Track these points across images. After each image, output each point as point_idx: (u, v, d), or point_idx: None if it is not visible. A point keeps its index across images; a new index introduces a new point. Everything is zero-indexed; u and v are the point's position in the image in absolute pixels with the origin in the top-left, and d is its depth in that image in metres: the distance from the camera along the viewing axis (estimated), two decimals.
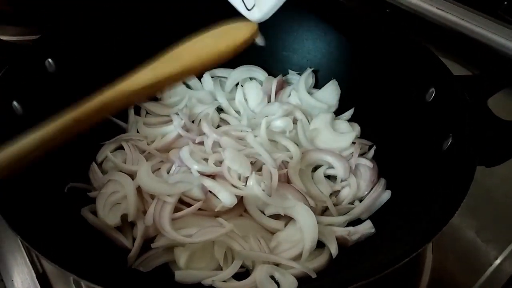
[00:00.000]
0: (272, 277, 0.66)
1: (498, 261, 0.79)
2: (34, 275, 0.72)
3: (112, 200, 0.73)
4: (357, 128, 0.90)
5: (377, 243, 0.70)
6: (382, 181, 0.79)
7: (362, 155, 0.85)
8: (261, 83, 0.99)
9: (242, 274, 0.68)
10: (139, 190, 0.74)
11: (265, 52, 0.96)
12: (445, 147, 0.68)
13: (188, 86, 0.99)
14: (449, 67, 0.75)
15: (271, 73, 1.00)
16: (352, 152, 0.84)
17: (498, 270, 0.78)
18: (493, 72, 0.81)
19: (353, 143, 0.86)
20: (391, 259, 0.53)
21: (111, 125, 0.88)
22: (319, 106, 0.93)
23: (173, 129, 0.86)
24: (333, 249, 0.70)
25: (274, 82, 0.96)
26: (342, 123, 0.91)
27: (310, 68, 0.97)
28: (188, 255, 0.67)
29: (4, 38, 0.77)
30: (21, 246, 0.74)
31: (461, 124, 0.66)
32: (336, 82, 0.95)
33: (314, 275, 0.64)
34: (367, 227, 0.73)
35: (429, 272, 0.75)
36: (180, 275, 0.65)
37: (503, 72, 0.81)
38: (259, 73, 1.00)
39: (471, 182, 0.57)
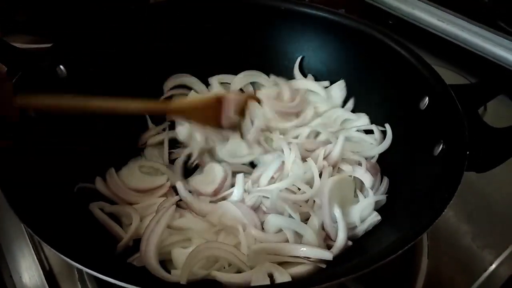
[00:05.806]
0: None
1: (493, 267, 0.80)
2: (41, 272, 0.74)
3: None
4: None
5: (377, 236, 0.72)
6: (384, 183, 0.80)
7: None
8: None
9: None
10: None
11: (266, 58, 1.00)
12: (436, 152, 0.70)
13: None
14: (450, 76, 0.77)
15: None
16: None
17: (493, 275, 0.79)
18: (486, 81, 0.83)
19: None
20: (391, 247, 0.55)
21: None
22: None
23: None
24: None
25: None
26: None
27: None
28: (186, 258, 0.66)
29: (18, 45, 0.80)
30: (30, 244, 0.77)
31: (451, 131, 0.68)
32: (344, 83, 0.95)
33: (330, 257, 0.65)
34: (373, 216, 0.74)
35: (424, 277, 0.75)
36: (177, 274, 0.65)
37: (495, 82, 0.83)
38: (262, 78, 1.00)
39: (458, 185, 0.59)
